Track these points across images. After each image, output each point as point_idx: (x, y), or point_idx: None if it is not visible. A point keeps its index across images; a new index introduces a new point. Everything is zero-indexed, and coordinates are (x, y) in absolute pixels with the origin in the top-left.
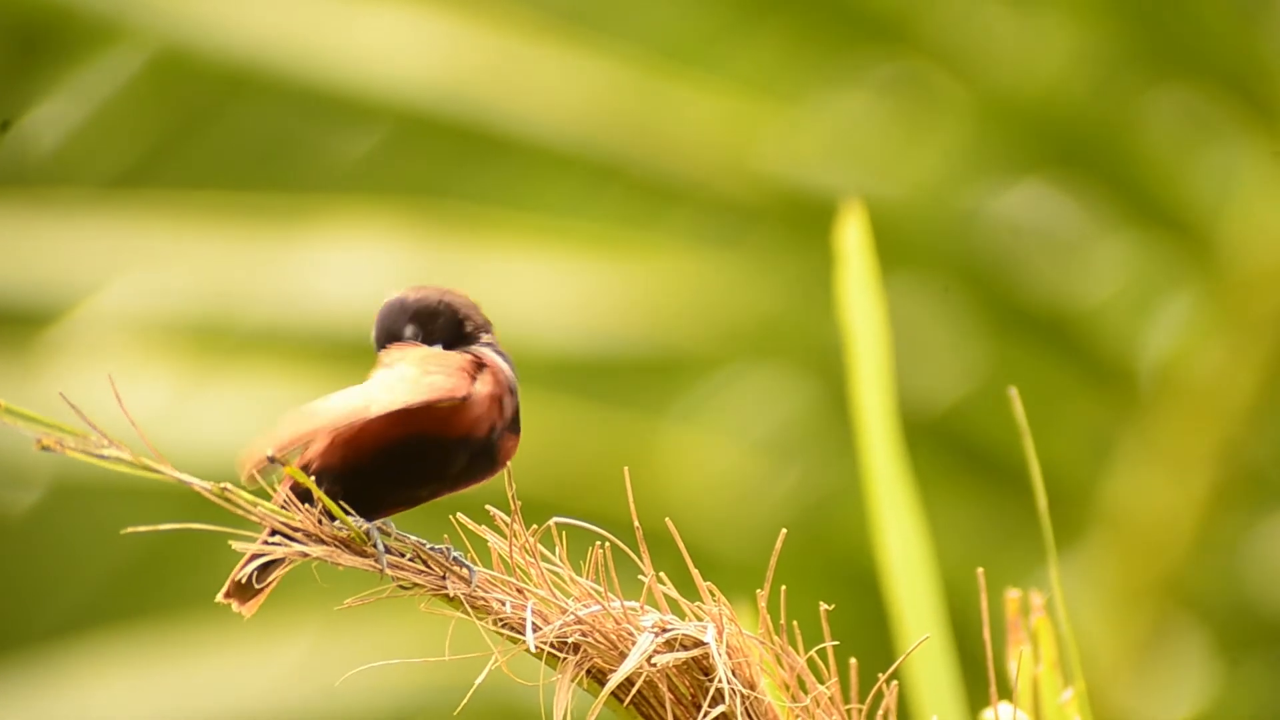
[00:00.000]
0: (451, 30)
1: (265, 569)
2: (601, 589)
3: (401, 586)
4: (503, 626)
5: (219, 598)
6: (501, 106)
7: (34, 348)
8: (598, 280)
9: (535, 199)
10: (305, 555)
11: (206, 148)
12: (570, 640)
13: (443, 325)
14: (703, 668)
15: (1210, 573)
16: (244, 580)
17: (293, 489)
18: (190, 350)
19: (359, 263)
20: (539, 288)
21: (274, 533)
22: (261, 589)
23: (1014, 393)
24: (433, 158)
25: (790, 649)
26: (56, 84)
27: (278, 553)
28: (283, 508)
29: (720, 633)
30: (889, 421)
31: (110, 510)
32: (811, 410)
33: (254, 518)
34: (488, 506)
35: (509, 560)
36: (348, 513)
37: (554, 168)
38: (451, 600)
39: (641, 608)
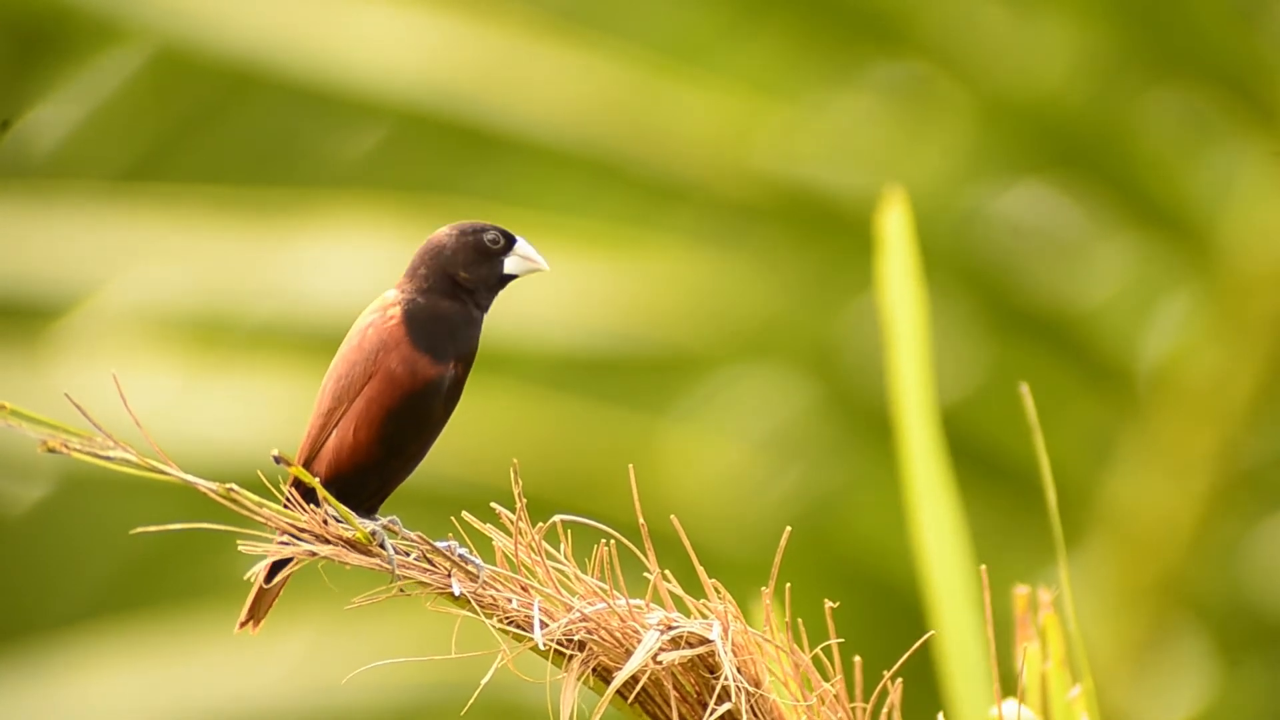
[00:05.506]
0: (452, 29)
1: (274, 569)
2: (607, 587)
3: (403, 590)
4: (509, 624)
5: (237, 629)
6: (502, 105)
7: (38, 343)
8: (598, 279)
9: (535, 198)
10: (313, 555)
11: (207, 145)
12: (576, 638)
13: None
14: (708, 665)
15: (1209, 573)
16: (252, 579)
17: (296, 489)
18: (192, 346)
19: (359, 259)
20: (539, 286)
21: (282, 533)
22: (272, 597)
23: (1025, 390)
24: (433, 156)
25: (796, 647)
26: (56, 84)
27: (285, 553)
28: (288, 508)
29: (726, 630)
30: (927, 406)
31: (114, 506)
32: (812, 410)
33: (259, 518)
34: (493, 504)
35: (514, 558)
36: (355, 512)
37: (554, 167)
38: (457, 599)
39: (647, 605)
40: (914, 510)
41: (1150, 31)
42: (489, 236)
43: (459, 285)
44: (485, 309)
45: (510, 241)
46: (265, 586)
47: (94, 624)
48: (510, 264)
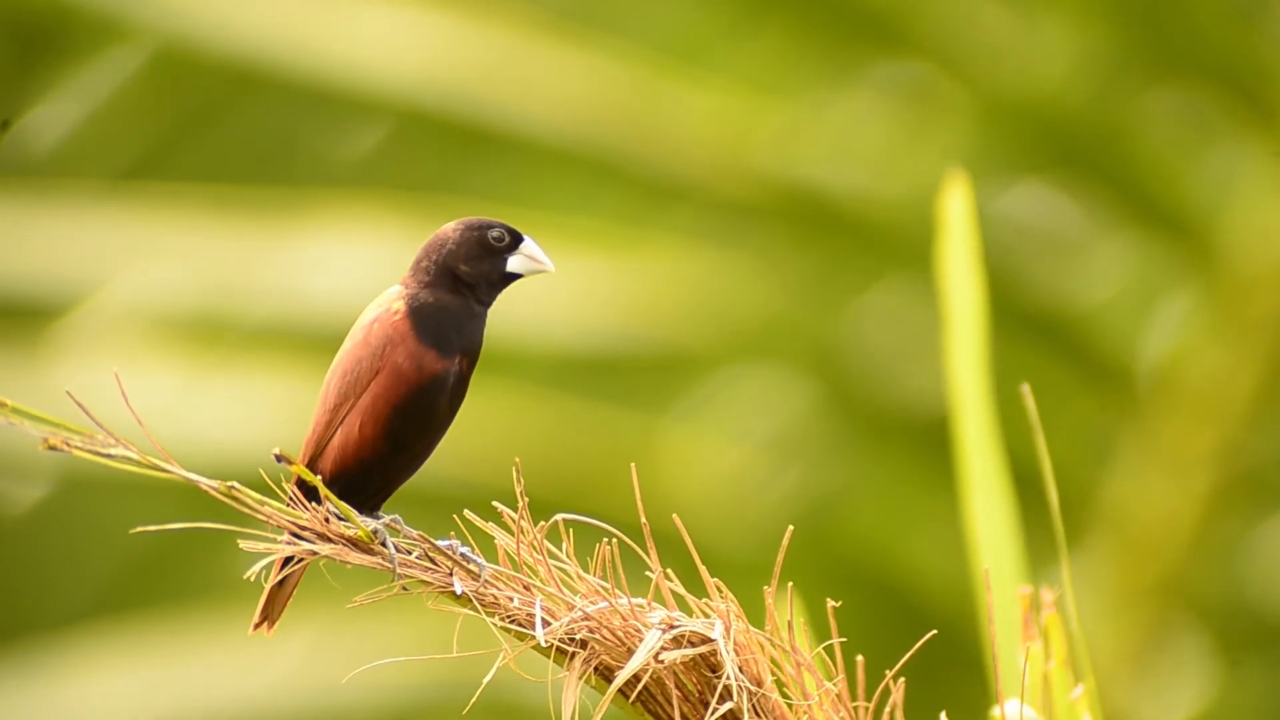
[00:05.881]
0: (452, 28)
1: (281, 568)
2: (609, 586)
3: (405, 589)
4: (511, 623)
5: (250, 631)
6: (502, 104)
7: (39, 343)
8: (598, 279)
9: (536, 197)
10: (314, 554)
11: (208, 145)
12: (578, 637)
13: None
14: (710, 664)
15: (1210, 573)
16: (254, 579)
17: (298, 487)
18: (192, 345)
19: (359, 259)
20: (539, 286)
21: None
22: (285, 598)
23: (1026, 390)
24: (433, 155)
25: (798, 646)
26: (56, 83)
27: (286, 551)
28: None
29: (728, 630)
30: (983, 391)
31: (114, 506)
32: (812, 410)
33: (261, 516)
34: (495, 503)
35: (516, 557)
36: (358, 510)
37: (554, 166)
38: (459, 597)
39: (649, 604)
40: (969, 496)
41: (1150, 32)
42: (493, 234)
43: (460, 280)
44: (488, 305)
45: (516, 240)
46: (277, 587)
47: (94, 624)
48: (514, 263)
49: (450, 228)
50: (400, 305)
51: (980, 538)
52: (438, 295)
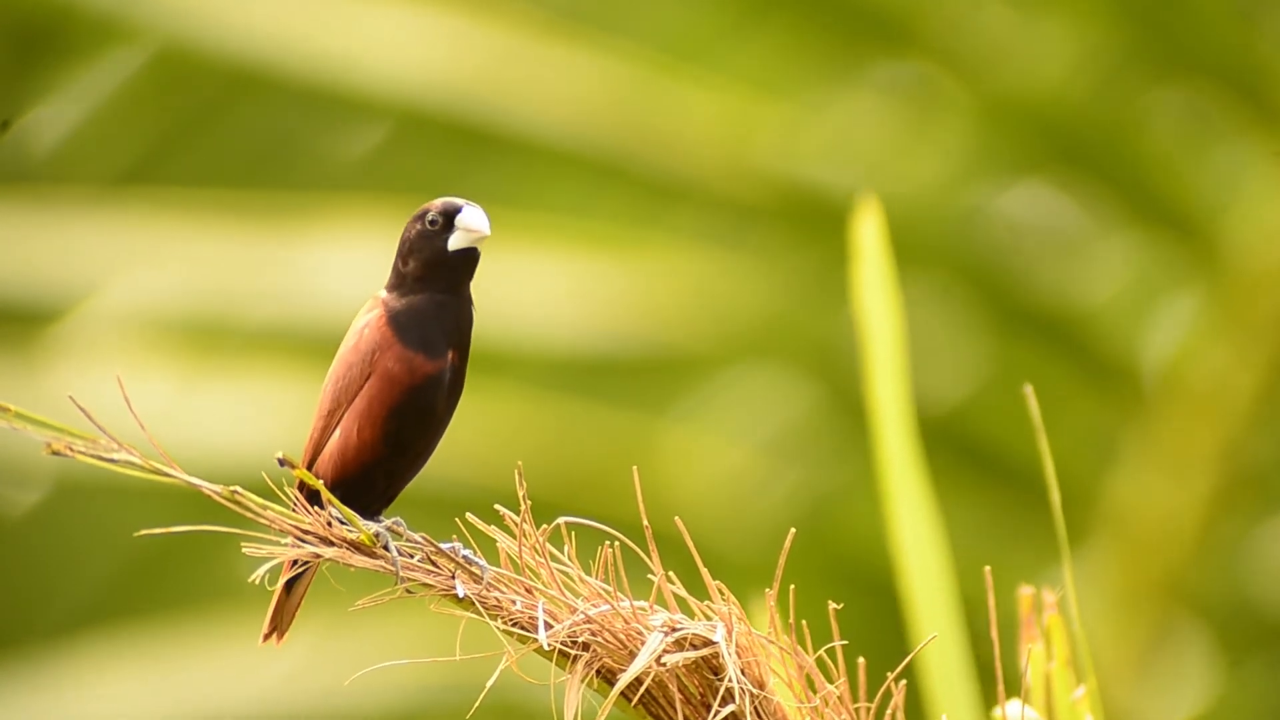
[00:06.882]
0: (454, 29)
1: (281, 572)
2: (611, 588)
3: (408, 591)
4: (513, 626)
5: (260, 642)
6: (503, 105)
7: (36, 346)
8: (599, 279)
9: (537, 198)
10: (317, 557)
11: (208, 146)
12: (580, 640)
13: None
14: (712, 667)
15: (1212, 573)
16: (258, 582)
17: (301, 493)
18: (191, 349)
19: (360, 261)
20: (540, 287)
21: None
22: (294, 607)
23: (1029, 391)
24: (434, 156)
25: (800, 648)
26: (56, 84)
27: (290, 554)
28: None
29: (730, 632)
30: (904, 415)
31: (112, 510)
32: (813, 410)
33: (263, 520)
34: (497, 506)
35: (518, 560)
36: (364, 513)
37: (556, 166)
38: (461, 600)
39: (651, 607)
40: (893, 521)
41: (1152, 31)
42: (429, 218)
43: (416, 276)
44: (457, 290)
45: (452, 216)
46: (285, 597)
47: (94, 628)
48: (453, 240)
49: (409, 221)
50: (379, 311)
51: (910, 568)
52: (406, 298)
